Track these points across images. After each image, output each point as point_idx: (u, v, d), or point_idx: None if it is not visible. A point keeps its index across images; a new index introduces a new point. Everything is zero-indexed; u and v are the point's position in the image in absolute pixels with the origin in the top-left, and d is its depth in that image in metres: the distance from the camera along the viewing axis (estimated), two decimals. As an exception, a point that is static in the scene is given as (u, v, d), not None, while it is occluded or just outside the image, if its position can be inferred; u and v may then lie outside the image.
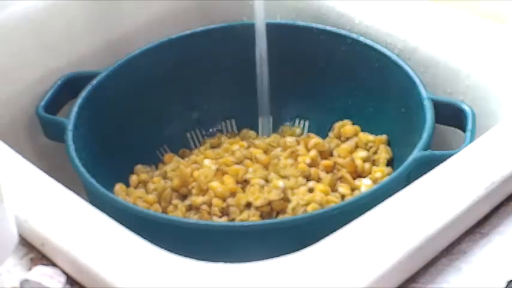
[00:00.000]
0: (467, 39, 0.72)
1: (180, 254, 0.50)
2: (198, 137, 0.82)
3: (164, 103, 0.80)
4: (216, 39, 0.80)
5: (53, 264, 0.52)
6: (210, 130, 0.83)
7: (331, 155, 0.76)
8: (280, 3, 0.82)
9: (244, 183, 0.71)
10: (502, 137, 0.58)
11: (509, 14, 0.80)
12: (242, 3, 0.85)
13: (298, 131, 0.81)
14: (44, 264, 0.52)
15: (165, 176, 0.74)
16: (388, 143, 0.75)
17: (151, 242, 0.51)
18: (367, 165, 0.73)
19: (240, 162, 0.73)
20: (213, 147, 0.80)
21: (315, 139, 0.75)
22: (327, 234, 0.51)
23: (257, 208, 0.67)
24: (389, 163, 0.74)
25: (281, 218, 0.67)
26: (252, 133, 0.81)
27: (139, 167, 0.76)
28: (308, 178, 0.72)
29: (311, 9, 0.81)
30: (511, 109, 0.66)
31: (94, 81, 0.74)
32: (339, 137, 0.78)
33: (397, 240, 0.50)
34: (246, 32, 0.77)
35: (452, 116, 0.68)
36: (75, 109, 0.71)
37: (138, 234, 0.52)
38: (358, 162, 0.73)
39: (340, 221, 0.52)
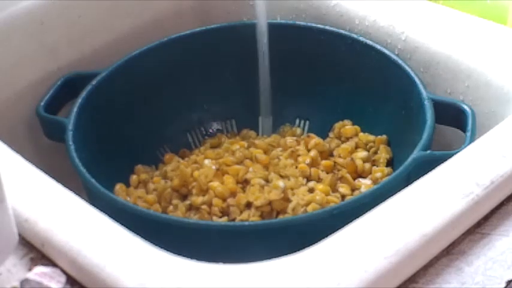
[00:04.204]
0: (467, 39, 0.72)
1: (180, 254, 0.50)
2: (199, 137, 0.82)
3: (164, 103, 0.80)
4: (216, 39, 0.80)
5: (53, 264, 0.52)
6: (210, 130, 0.83)
7: (331, 155, 0.76)
8: (280, 3, 0.82)
9: (245, 183, 0.71)
10: (502, 137, 0.58)
11: (509, 14, 0.80)
12: (242, 3, 0.85)
13: (298, 131, 0.81)
14: (44, 264, 0.52)
15: (165, 176, 0.74)
16: (388, 143, 0.75)
17: (152, 242, 0.51)
18: (367, 166, 0.73)
19: (240, 162, 0.73)
20: (213, 147, 0.80)
21: (315, 139, 0.75)
22: (327, 235, 0.51)
23: (257, 208, 0.67)
24: (390, 163, 0.74)
25: (281, 218, 0.67)
26: (252, 133, 0.82)
27: (139, 167, 0.76)
28: (308, 178, 0.72)
29: (311, 9, 0.81)
30: (511, 109, 0.66)
31: (94, 81, 0.74)
32: (339, 137, 0.78)
33: (397, 240, 0.50)
34: (246, 32, 0.77)
35: (452, 116, 0.68)
36: (75, 109, 0.71)
37: (138, 234, 0.52)
38: (358, 162, 0.73)
39: (340, 221, 0.52)
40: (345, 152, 0.75)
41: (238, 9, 0.86)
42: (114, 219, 0.53)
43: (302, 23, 0.79)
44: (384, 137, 0.75)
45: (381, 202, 0.53)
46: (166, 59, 0.79)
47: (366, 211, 0.52)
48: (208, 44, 0.80)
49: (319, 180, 0.72)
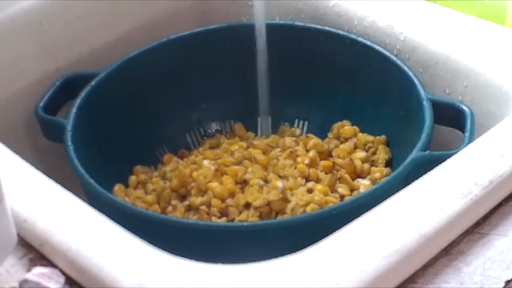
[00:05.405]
0: (466, 39, 0.72)
1: (179, 255, 0.50)
2: (197, 138, 0.82)
3: (163, 104, 0.80)
4: (215, 39, 0.80)
5: (52, 264, 0.52)
6: (209, 131, 0.83)
7: (330, 155, 0.76)
8: (279, 3, 0.82)
9: (243, 183, 0.71)
10: (501, 137, 0.58)
11: (508, 14, 0.80)
12: (241, 3, 0.85)
13: (297, 131, 0.81)
14: (43, 265, 0.52)
15: (164, 177, 0.74)
16: (387, 144, 0.75)
17: (150, 243, 0.51)
18: (366, 166, 0.73)
19: (239, 163, 0.73)
20: (212, 147, 0.80)
21: (314, 140, 0.75)
22: (326, 235, 0.51)
23: (256, 208, 0.67)
24: (388, 164, 0.74)
25: (280, 218, 0.67)
26: (251, 134, 0.81)
27: (138, 167, 0.76)
28: (307, 178, 0.72)
29: (310, 10, 0.81)
30: (509, 109, 0.66)
31: (93, 82, 0.74)
32: (338, 137, 0.78)
33: (396, 240, 0.50)
34: (245, 32, 0.77)
35: (451, 117, 0.68)
36: (74, 110, 0.71)
37: (137, 234, 0.52)
38: (357, 162, 0.73)
39: (339, 222, 0.52)
40: (343, 153, 0.75)
41: (237, 9, 0.86)
42: (113, 219, 0.53)
43: (301, 24, 0.79)
44: (383, 137, 0.75)
45: (380, 202, 0.53)
46: (166, 59, 0.79)
47: (365, 211, 0.52)
48: (207, 45, 0.80)
49: (318, 180, 0.72)
